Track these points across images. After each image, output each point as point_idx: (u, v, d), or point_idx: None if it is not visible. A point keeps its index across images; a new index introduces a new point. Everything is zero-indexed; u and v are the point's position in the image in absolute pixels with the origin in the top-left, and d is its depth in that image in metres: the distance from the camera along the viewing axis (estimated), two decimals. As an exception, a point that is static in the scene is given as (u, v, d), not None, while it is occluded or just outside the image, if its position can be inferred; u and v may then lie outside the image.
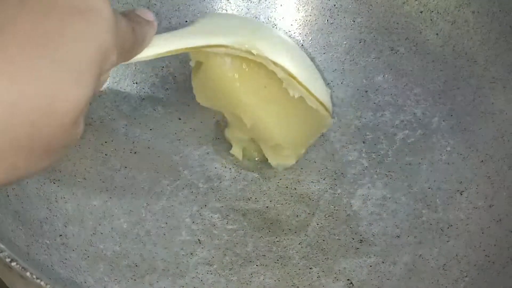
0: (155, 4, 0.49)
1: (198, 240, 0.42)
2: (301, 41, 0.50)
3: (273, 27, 0.51)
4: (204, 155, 0.46)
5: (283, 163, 0.46)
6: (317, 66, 0.50)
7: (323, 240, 0.42)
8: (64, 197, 0.42)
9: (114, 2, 0.48)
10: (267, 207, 0.44)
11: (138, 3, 0.49)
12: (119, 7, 0.48)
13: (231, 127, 0.46)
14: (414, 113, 0.48)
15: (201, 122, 0.48)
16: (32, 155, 0.27)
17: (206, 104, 0.45)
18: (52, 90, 0.27)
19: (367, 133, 0.47)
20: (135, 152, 0.46)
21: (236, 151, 0.46)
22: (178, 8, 0.50)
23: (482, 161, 0.44)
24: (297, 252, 0.42)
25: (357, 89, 0.49)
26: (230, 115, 0.45)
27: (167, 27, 0.50)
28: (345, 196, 0.44)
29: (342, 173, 0.45)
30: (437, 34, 0.48)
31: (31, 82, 0.26)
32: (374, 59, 0.49)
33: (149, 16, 0.36)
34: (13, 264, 0.32)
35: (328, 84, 0.49)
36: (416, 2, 0.48)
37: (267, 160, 0.46)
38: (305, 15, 0.50)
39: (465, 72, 0.47)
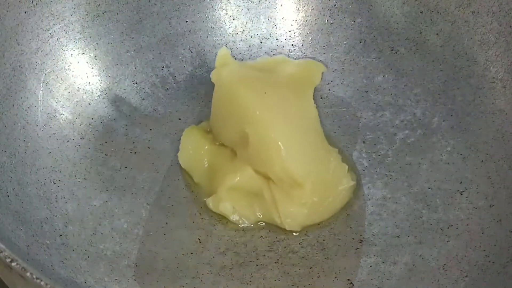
0: (155, 4, 0.49)
1: (198, 240, 0.42)
2: (301, 41, 0.50)
3: (273, 27, 0.51)
4: (204, 155, 0.46)
5: (294, 212, 0.42)
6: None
7: (323, 240, 0.42)
8: (64, 197, 0.42)
9: (114, 2, 0.48)
10: (267, 207, 0.44)
11: (138, 3, 0.49)
12: (118, 7, 0.48)
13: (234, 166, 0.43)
14: (414, 113, 0.47)
15: (201, 122, 0.48)
16: None
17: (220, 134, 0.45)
18: None
19: (367, 133, 0.47)
20: (135, 152, 0.46)
21: (227, 207, 0.43)
22: (178, 8, 0.50)
23: (482, 161, 0.44)
24: (297, 252, 0.42)
25: (357, 89, 0.49)
26: (240, 145, 0.43)
27: (167, 27, 0.50)
28: (345, 196, 0.44)
29: (342, 173, 0.45)
30: (437, 34, 0.48)
31: None
32: (374, 59, 0.49)
33: None
34: (13, 264, 0.32)
35: (328, 84, 0.49)
36: (416, 2, 0.48)
37: (268, 220, 0.43)
38: (305, 15, 0.50)
39: (465, 72, 0.47)
